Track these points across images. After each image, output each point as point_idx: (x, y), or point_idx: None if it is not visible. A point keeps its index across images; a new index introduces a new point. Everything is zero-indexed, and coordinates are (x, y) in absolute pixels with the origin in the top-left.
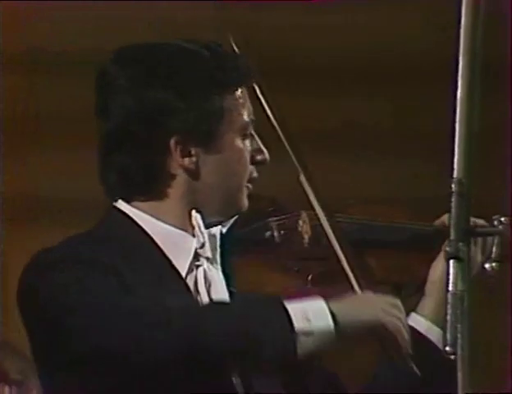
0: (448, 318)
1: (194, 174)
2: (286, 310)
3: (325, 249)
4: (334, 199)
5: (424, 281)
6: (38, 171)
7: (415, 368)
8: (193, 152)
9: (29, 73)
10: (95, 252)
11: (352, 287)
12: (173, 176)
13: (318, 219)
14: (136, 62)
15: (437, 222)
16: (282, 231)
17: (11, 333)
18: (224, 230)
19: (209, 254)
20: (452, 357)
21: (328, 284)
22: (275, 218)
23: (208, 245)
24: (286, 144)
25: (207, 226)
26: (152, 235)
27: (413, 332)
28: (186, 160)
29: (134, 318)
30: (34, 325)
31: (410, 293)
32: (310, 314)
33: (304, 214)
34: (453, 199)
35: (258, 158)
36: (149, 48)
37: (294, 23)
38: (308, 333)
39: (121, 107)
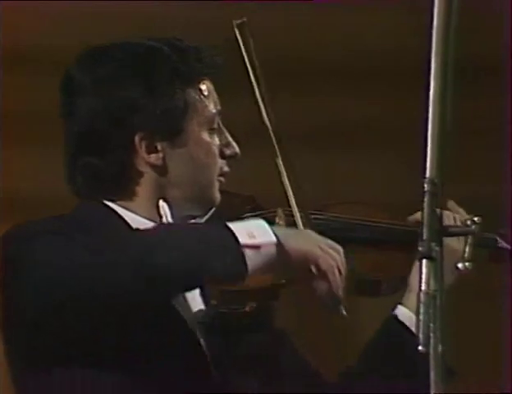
0: (421, 317)
1: (161, 170)
2: (231, 230)
3: None
4: (316, 195)
5: (405, 277)
6: (37, 169)
7: (343, 310)
8: (159, 148)
9: (28, 72)
10: (66, 228)
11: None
12: (141, 174)
13: (293, 215)
14: (100, 63)
15: (411, 219)
16: None
17: None
18: None
19: None
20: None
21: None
22: (249, 214)
23: None
24: (273, 137)
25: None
26: (129, 222)
27: (398, 323)
28: (153, 156)
29: (91, 259)
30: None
31: (390, 289)
32: (254, 231)
33: (279, 211)
34: (425, 199)
35: (228, 152)
36: (112, 47)
37: (281, 22)
38: (254, 247)
39: (86, 107)
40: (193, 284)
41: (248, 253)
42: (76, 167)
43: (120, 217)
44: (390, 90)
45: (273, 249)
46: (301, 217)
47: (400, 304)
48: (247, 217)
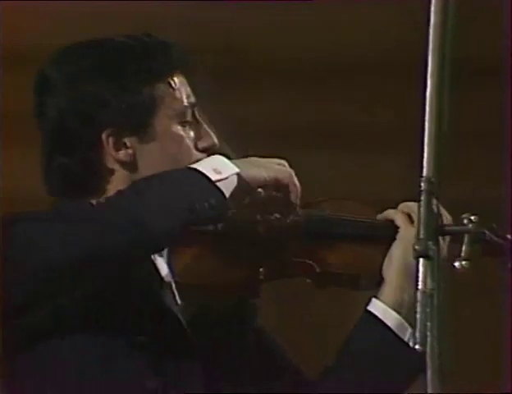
0: (417, 316)
1: (131, 166)
2: (201, 171)
3: (280, 239)
4: (316, 195)
5: (380, 272)
6: (34, 168)
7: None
8: (128, 144)
9: (28, 71)
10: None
11: None
12: (111, 171)
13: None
14: (67, 62)
15: (380, 217)
16: (236, 222)
17: None
18: None
19: None
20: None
21: (280, 274)
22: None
23: None
24: None
25: None
26: None
27: (371, 316)
28: (121, 153)
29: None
30: None
31: (368, 284)
32: (218, 167)
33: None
34: (422, 198)
35: (203, 144)
36: (80, 46)
37: (281, 21)
38: (223, 180)
39: (54, 106)
40: (182, 224)
41: (221, 186)
42: (51, 167)
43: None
44: (387, 88)
45: (237, 178)
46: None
47: (375, 297)
48: None
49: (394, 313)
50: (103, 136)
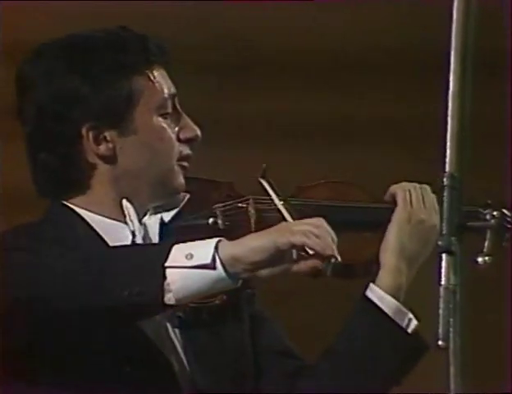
0: (440, 312)
1: (112, 160)
2: (168, 250)
3: None
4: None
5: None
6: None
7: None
8: (108, 138)
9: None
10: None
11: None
12: (93, 166)
13: (269, 203)
14: (41, 59)
15: (386, 197)
16: (227, 217)
17: None
18: (168, 218)
19: (140, 242)
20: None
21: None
22: (221, 204)
23: (138, 234)
24: None
25: (155, 212)
26: (93, 226)
27: (368, 302)
28: (102, 147)
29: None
30: None
31: (367, 272)
32: (194, 251)
33: (251, 199)
34: (445, 194)
35: (186, 135)
36: (55, 42)
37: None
38: (186, 268)
39: (32, 104)
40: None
41: (172, 273)
42: (35, 166)
43: (82, 219)
44: (405, 86)
45: (208, 274)
46: (280, 204)
47: (373, 282)
48: (218, 209)
49: (390, 299)
50: (83, 131)
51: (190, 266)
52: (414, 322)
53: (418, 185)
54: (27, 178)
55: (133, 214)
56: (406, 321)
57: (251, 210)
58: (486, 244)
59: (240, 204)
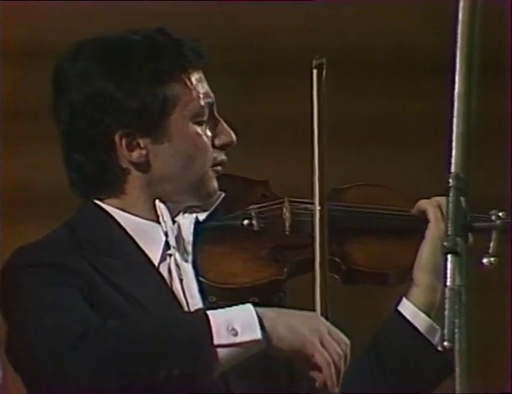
0: (446, 313)
1: (144, 167)
2: (209, 325)
3: (306, 237)
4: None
5: (411, 268)
6: (35, 164)
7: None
8: (141, 144)
9: (25, 66)
10: (70, 253)
11: (314, 279)
12: (126, 171)
13: (305, 206)
14: (84, 58)
15: (414, 211)
16: (262, 219)
17: None
18: (203, 217)
19: (173, 243)
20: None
21: (304, 273)
22: (256, 206)
23: (171, 234)
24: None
25: (184, 212)
26: (125, 227)
27: (401, 318)
28: (135, 154)
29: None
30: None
31: (399, 280)
32: (237, 325)
33: (286, 202)
34: (450, 194)
35: (220, 141)
36: (97, 41)
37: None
38: (232, 345)
39: (67, 104)
40: (154, 379)
41: (221, 352)
42: (69, 164)
43: (114, 220)
44: (411, 86)
45: (255, 345)
46: (313, 211)
47: (406, 297)
48: (253, 210)
49: (423, 316)
50: (116, 138)
51: (240, 342)
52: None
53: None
54: (27, 178)
55: (166, 214)
56: (437, 338)
57: (286, 213)
58: (491, 244)
59: (275, 206)
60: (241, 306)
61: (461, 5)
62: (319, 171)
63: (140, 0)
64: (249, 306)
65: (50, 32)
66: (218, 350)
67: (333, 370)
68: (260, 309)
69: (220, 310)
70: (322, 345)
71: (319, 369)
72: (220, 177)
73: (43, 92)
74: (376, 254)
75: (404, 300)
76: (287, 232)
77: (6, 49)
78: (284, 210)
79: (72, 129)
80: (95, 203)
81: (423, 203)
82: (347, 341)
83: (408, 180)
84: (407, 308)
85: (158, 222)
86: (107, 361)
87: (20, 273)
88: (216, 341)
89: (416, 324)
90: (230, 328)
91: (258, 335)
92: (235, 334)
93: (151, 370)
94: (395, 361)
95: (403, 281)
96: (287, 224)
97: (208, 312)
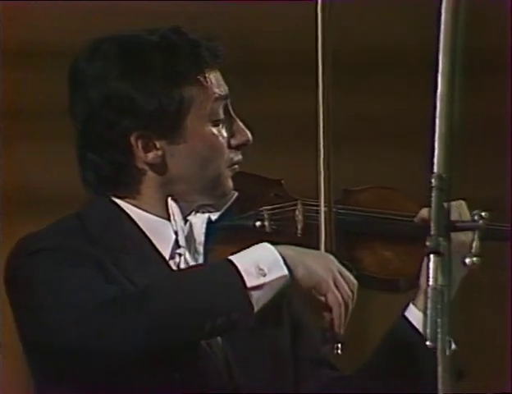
0: (428, 312)
1: (160, 168)
2: (238, 270)
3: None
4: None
5: (420, 274)
6: (35, 164)
7: (339, 349)
8: (157, 146)
9: (24, 66)
10: (80, 241)
11: None
12: (141, 172)
13: (316, 210)
14: (101, 58)
15: (417, 219)
16: (274, 221)
17: None
18: (215, 216)
19: (183, 243)
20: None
21: None
22: (268, 207)
23: (181, 233)
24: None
25: (196, 211)
26: (137, 222)
27: (407, 323)
28: (150, 155)
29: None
30: (15, 313)
31: (410, 286)
32: (264, 265)
33: (299, 204)
34: (433, 194)
35: (236, 141)
36: (115, 41)
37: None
38: (263, 286)
39: (83, 104)
40: (201, 334)
41: (255, 294)
42: (83, 163)
43: (127, 215)
44: (397, 86)
45: (283, 281)
46: (324, 213)
47: (413, 303)
48: (266, 211)
49: None
50: (132, 139)
51: (269, 281)
52: (453, 346)
53: (453, 203)
54: (27, 178)
55: (177, 213)
56: None
57: (299, 215)
58: (474, 244)
59: (288, 208)
60: (259, 246)
61: (444, 5)
62: (325, 172)
63: (140, 0)
64: (267, 245)
65: (50, 32)
66: (251, 292)
67: (343, 310)
68: (278, 248)
69: (241, 254)
70: (335, 284)
71: (329, 309)
72: (233, 175)
73: (43, 92)
74: (386, 260)
75: (410, 305)
76: (299, 235)
77: (6, 49)
78: (297, 212)
79: (88, 129)
80: (109, 198)
81: (425, 212)
82: (355, 281)
83: (408, 181)
84: (413, 314)
85: (169, 220)
86: (157, 322)
87: (32, 258)
88: (248, 284)
89: (421, 329)
90: (258, 269)
91: (285, 271)
92: (264, 274)
93: (198, 324)
94: (401, 364)
95: (412, 288)
96: (299, 227)
97: (231, 257)
